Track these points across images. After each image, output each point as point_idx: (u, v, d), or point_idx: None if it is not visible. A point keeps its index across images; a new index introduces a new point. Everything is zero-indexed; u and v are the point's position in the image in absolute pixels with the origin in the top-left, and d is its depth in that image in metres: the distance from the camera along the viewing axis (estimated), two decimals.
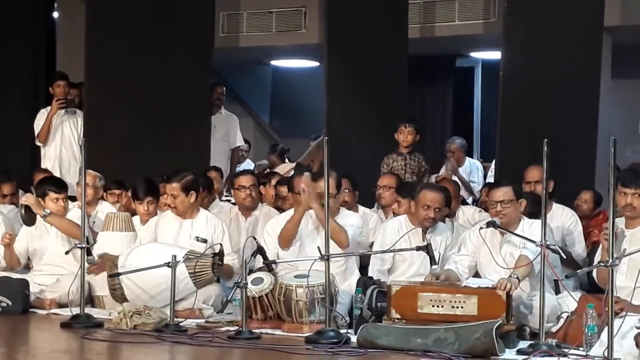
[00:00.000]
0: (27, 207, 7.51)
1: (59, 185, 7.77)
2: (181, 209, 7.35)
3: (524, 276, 6.30)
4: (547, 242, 5.93)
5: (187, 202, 7.34)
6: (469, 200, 9.78)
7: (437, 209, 6.99)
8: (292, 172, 8.48)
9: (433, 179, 9.04)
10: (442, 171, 10.31)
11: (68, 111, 9.89)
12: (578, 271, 6.17)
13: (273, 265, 7.05)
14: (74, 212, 7.63)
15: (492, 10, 10.91)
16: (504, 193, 6.63)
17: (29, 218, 7.53)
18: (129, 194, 8.18)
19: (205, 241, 7.29)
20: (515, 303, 6.25)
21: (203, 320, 6.88)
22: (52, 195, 7.62)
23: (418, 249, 6.74)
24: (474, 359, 5.73)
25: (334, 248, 6.52)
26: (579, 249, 7.28)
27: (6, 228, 7.77)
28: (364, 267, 7.28)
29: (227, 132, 10.41)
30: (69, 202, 7.81)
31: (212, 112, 10.21)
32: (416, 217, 7.01)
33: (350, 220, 7.09)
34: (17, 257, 7.68)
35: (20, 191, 8.81)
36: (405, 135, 8.60)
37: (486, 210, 7.67)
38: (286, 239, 7.00)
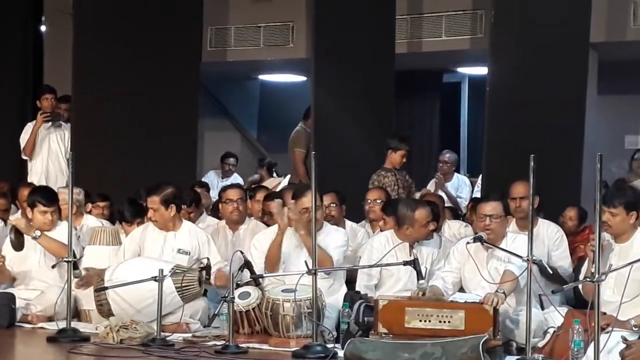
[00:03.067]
0: (16, 230, 7.45)
1: (49, 198, 7.71)
2: (161, 222, 7.35)
3: (510, 291, 6.32)
4: (534, 257, 5.95)
5: (167, 215, 7.34)
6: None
7: (432, 220, 7.06)
8: (280, 189, 8.54)
9: (418, 195, 9.05)
10: (430, 186, 10.33)
11: (54, 124, 9.87)
12: (565, 286, 6.19)
13: (260, 280, 7.04)
14: (60, 226, 7.60)
15: (479, 26, 10.95)
16: (492, 207, 6.65)
17: (18, 242, 7.45)
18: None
19: (187, 253, 7.29)
20: (502, 318, 6.27)
21: (190, 335, 6.86)
22: (41, 207, 7.59)
23: (405, 263, 6.74)
24: None
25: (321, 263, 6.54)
26: (565, 264, 7.29)
27: None
28: (351, 281, 7.28)
29: None
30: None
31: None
32: (416, 237, 7.01)
33: (333, 238, 7.10)
34: (9, 274, 7.63)
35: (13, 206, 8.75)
36: (403, 158, 8.59)
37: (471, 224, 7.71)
38: (272, 263, 7.05)
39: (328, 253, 6.93)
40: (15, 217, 7.68)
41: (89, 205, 8.45)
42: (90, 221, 8.25)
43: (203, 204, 8.75)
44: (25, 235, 7.47)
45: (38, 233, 7.43)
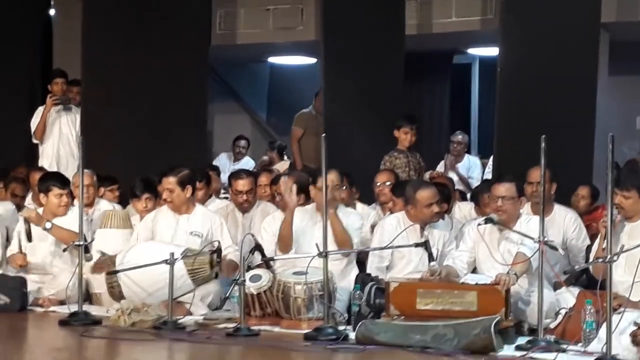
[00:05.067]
0: (27, 222, 7.43)
1: (63, 180, 7.72)
2: (177, 203, 7.35)
3: (521, 273, 6.31)
4: (546, 239, 5.93)
5: (183, 197, 7.34)
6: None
7: (438, 202, 7.01)
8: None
9: (427, 175, 9.04)
10: (440, 167, 10.32)
11: (64, 108, 9.88)
12: (576, 267, 6.18)
13: (271, 262, 7.05)
14: (73, 211, 7.59)
15: (490, 6, 10.89)
16: (506, 189, 6.62)
17: (30, 233, 7.46)
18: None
19: (200, 236, 7.29)
20: (514, 299, 6.26)
21: (201, 317, 6.88)
22: (56, 191, 7.58)
23: (416, 245, 6.74)
24: (472, 355, 5.73)
25: (332, 245, 6.53)
26: (585, 253, 7.20)
27: (0, 230, 7.69)
28: (361, 263, 7.28)
29: None
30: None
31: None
32: (421, 217, 7.00)
33: (350, 220, 7.10)
34: (26, 265, 7.63)
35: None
36: (409, 136, 8.59)
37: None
38: (285, 244, 7.05)
39: (349, 233, 6.93)
40: (26, 210, 7.65)
41: (102, 189, 8.46)
42: (103, 205, 8.26)
43: (214, 188, 8.74)
44: (34, 226, 7.45)
45: (49, 225, 7.42)
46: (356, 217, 7.24)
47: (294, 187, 7.12)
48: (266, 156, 12.11)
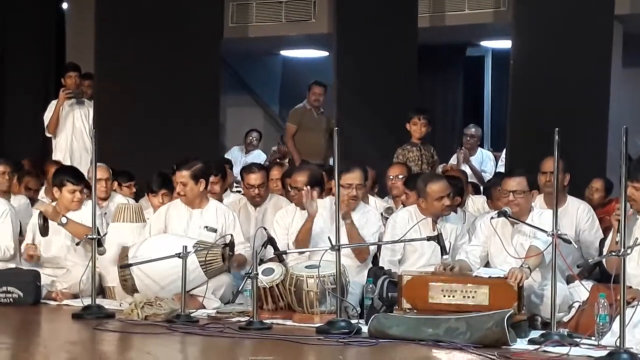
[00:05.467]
0: (43, 217, 7.44)
1: (77, 176, 7.69)
2: (190, 196, 7.35)
3: (535, 266, 6.29)
4: (559, 232, 5.91)
5: (197, 190, 7.34)
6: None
7: (449, 195, 7.00)
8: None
9: (440, 169, 9.02)
10: (452, 161, 10.30)
11: (77, 102, 9.89)
12: (590, 260, 6.16)
13: (284, 256, 7.05)
14: (87, 206, 7.59)
15: None
16: (517, 183, 6.60)
17: (44, 228, 7.43)
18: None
19: (215, 230, 7.29)
20: (527, 293, 6.24)
21: (214, 311, 6.88)
22: (70, 186, 7.57)
23: (429, 239, 6.72)
24: (485, 349, 5.71)
25: (345, 239, 6.54)
26: (597, 245, 7.19)
27: (14, 223, 7.71)
28: (373, 257, 7.27)
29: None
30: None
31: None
32: (431, 210, 6.99)
33: (370, 222, 7.11)
34: (38, 258, 7.63)
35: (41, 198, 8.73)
36: (419, 127, 8.58)
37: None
38: (302, 245, 7.05)
39: (365, 250, 7.00)
40: (42, 204, 7.64)
41: (115, 183, 8.47)
42: (118, 199, 8.28)
43: (227, 182, 8.74)
44: (50, 221, 7.47)
45: (64, 220, 7.41)
46: (375, 218, 7.24)
47: (315, 195, 7.09)
48: (277, 149, 12.10)
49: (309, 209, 7.09)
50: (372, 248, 7.11)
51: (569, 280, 6.58)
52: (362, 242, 6.94)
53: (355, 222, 7.01)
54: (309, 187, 7.16)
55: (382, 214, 7.63)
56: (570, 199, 7.32)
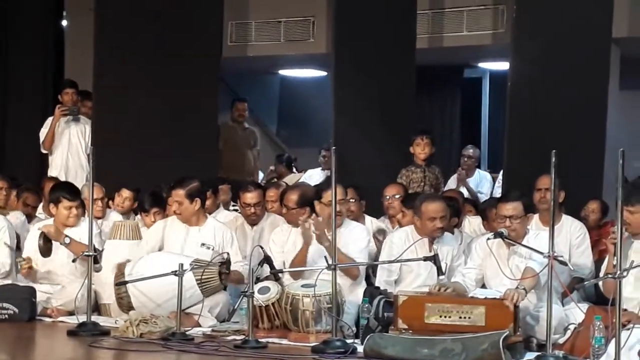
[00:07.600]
0: (45, 237, 7.41)
1: (73, 192, 7.70)
2: (186, 215, 7.36)
3: (530, 287, 6.29)
4: (555, 254, 5.92)
5: (192, 209, 7.35)
6: None
7: (442, 217, 6.98)
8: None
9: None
10: (451, 182, 10.30)
11: (74, 118, 9.89)
12: (586, 282, 6.16)
13: (280, 275, 7.05)
14: (84, 222, 7.58)
15: (501, 21, 10.91)
16: (513, 208, 6.60)
17: (46, 248, 7.41)
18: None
19: (211, 248, 7.29)
20: (522, 314, 6.24)
21: (209, 329, 6.87)
22: (66, 202, 7.57)
23: (425, 259, 6.72)
24: None
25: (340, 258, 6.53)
26: (587, 262, 7.24)
27: (11, 237, 7.70)
28: (367, 277, 7.27)
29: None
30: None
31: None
32: (424, 230, 7.00)
33: (356, 238, 7.08)
34: (35, 274, 7.60)
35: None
36: (422, 147, 8.60)
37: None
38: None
39: (356, 267, 6.97)
40: (44, 224, 7.61)
41: (110, 202, 8.47)
42: (113, 215, 8.27)
43: (223, 200, 8.74)
44: (52, 242, 7.45)
45: (67, 240, 7.38)
46: (362, 234, 7.20)
47: (312, 225, 7.06)
48: (274, 169, 12.10)
49: (305, 238, 7.09)
50: (362, 261, 7.06)
51: (562, 296, 6.58)
52: (346, 261, 6.91)
53: (342, 239, 6.96)
54: (305, 217, 7.13)
55: (374, 235, 7.62)
56: (566, 218, 7.34)
